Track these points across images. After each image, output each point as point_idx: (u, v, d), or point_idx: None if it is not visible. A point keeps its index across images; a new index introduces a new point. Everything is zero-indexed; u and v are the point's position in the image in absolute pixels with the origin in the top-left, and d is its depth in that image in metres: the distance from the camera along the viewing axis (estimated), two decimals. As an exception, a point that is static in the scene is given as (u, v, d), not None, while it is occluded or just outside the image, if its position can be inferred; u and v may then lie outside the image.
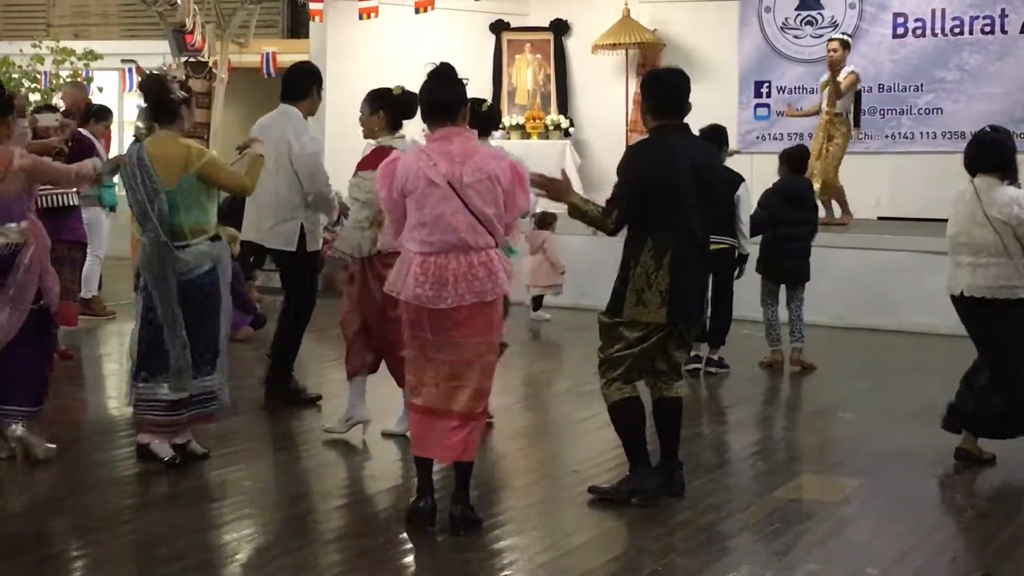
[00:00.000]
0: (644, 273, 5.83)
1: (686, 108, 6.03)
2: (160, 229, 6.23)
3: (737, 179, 9.32)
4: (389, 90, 7.02)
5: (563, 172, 6.15)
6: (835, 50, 12.81)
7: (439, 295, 5.37)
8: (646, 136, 6.14)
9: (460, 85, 5.61)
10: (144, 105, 6.58)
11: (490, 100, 16.21)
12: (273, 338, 8.25)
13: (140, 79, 6.87)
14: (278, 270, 8.51)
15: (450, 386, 5.47)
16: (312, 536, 5.59)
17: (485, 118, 7.38)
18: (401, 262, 5.52)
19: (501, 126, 16.19)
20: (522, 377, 9.48)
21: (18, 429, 6.46)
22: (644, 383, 6.17)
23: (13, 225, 6.40)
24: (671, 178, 5.84)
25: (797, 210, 9.65)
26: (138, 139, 6.52)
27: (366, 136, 7.16)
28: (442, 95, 5.53)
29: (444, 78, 5.57)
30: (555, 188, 6.00)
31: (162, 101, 6.39)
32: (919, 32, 14.67)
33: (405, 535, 5.55)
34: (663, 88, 6.08)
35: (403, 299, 5.47)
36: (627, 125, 15.68)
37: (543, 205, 12.80)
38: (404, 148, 6.65)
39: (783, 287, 9.81)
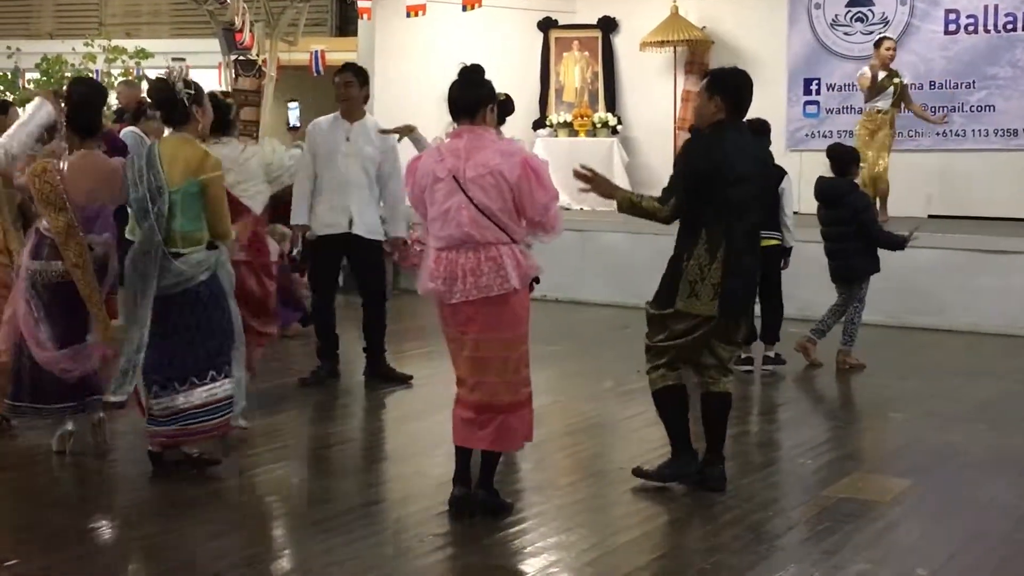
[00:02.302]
0: (698, 266, 5.91)
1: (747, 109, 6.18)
2: (156, 229, 6.04)
3: (780, 172, 9.27)
4: (215, 95, 7.11)
5: (591, 170, 6.08)
6: (895, 49, 12.75)
7: (450, 290, 5.54)
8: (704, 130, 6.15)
9: (482, 86, 5.72)
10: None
11: (537, 96, 16.39)
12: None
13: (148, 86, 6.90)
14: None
15: (473, 380, 5.63)
16: (355, 533, 5.59)
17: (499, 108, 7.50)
18: (424, 257, 5.73)
19: (548, 123, 16.23)
20: (565, 375, 9.46)
21: (99, 413, 6.66)
22: (693, 377, 6.25)
23: (108, 235, 6.58)
24: (732, 173, 5.91)
25: (832, 210, 9.56)
26: None
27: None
28: (459, 95, 5.68)
29: (466, 79, 5.72)
30: (600, 185, 6.04)
31: (168, 103, 6.27)
32: (971, 28, 14.52)
33: (449, 531, 5.57)
34: (742, 87, 6.12)
35: (421, 293, 5.73)
36: (675, 123, 15.63)
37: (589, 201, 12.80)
38: (229, 152, 6.98)
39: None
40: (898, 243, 9.52)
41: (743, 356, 9.40)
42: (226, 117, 7.28)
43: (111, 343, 6.47)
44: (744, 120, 6.16)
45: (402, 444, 6.98)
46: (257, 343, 7.33)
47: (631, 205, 6.03)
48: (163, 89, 6.30)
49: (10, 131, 6.63)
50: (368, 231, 8.43)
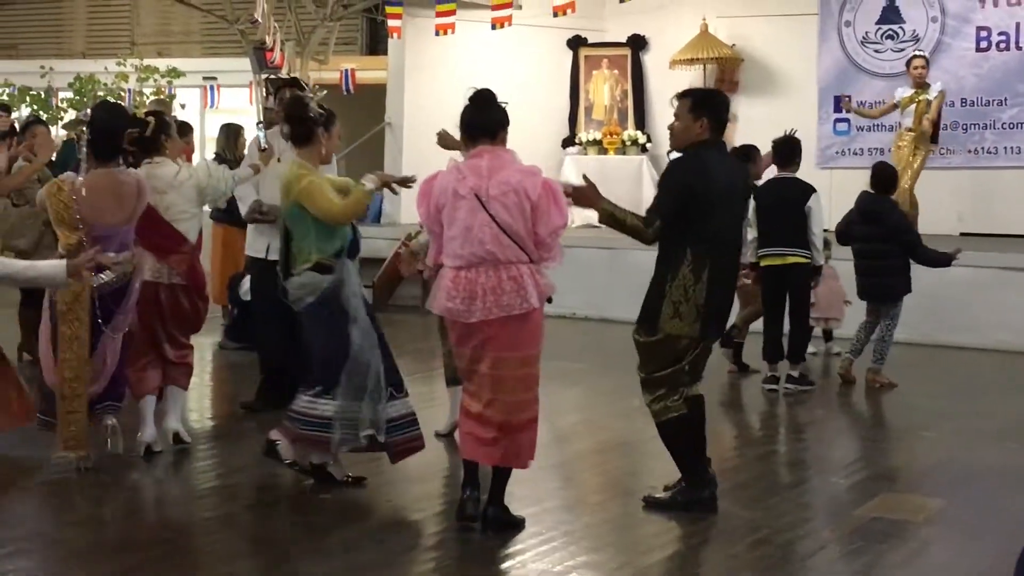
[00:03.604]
0: (682, 286, 5.90)
1: None
2: (280, 251, 6.34)
3: (808, 190, 9.24)
4: (134, 114, 7.31)
5: (585, 177, 6.14)
6: (923, 67, 12.67)
7: (469, 309, 5.54)
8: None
9: (497, 109, 5.79)
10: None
11: (567, 114, 16.37)
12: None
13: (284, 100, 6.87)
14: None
15: (487, 398, 5.65)
16: (385, 548, 5.59)
17: None
18: (439, 277, 5.72)
19: (577, 141, 16.24)
20: (593, 393, 9.45)
21: (111, 419, 6.70)
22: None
23: (127, 253, 6.57)
24: (717, 193, 5.95)
25: (870, 227, 9.50)
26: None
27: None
28: (480, 117, 5.74)
29: (481, 102, 5.78)
30: (583, 195, 6.02)
31: (298, 121, 6.36)
32: (1003, 46, 14.46)
33: (478, 549, 5.57)
34: (725, 109, 6.28)
35: (436, 312, 5.72)
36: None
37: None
38: (164, 173, 6.91)
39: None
40: (945, 260, 9.50)
41: (768, 374, 9.38)
42: (145, 136, 6.93)
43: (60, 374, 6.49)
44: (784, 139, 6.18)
45: (431, 461, 6.96)
46: (183, 358, 7.19)
47: (613, 220, 6.01)
48: (297, 106, 6.42)
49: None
50: None
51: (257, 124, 8.06)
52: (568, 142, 16.39)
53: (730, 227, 6.10)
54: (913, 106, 12.67)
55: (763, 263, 9.34)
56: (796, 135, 9.58)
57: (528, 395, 5.70)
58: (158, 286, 6.92)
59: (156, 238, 6.86)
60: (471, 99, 5.80)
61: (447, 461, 6.96)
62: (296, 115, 6.41)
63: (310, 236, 6.20)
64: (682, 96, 6.24)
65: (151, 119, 7.08)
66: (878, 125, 14.70)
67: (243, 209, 8.23)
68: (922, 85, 12.69)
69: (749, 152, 9.69)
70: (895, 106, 12.90)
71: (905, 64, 13.17)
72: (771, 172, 9.66)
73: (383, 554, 5.49)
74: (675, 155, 6.34)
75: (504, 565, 5.44)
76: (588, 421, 8.52)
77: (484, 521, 5.71)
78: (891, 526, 6.04)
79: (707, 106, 6.14)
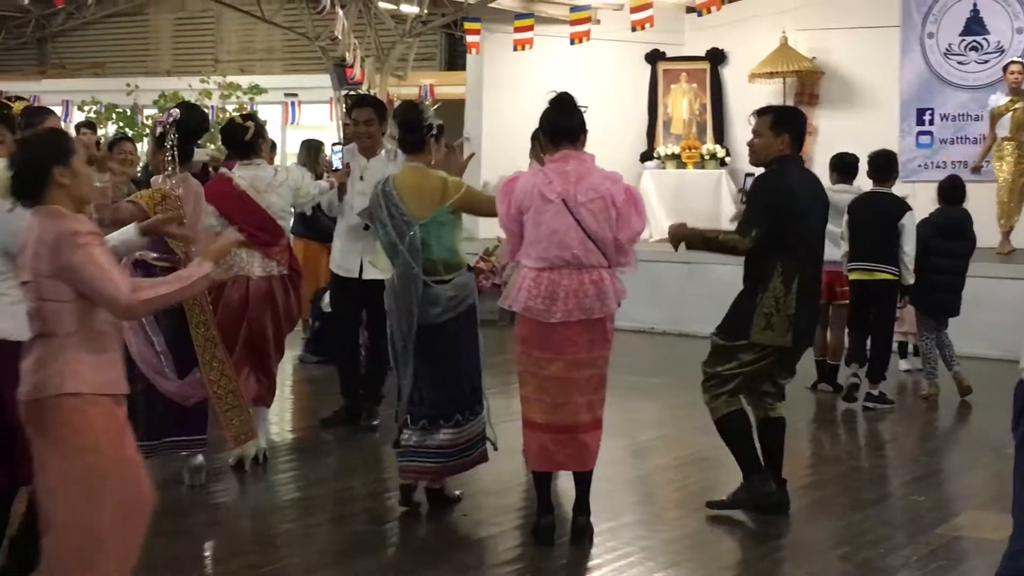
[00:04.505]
0: (773, 298, 6.01)
1: None
2: (413, 263, 6.01)
3: (904, 207, 9.11)
4: (232, 118, 7.44)
5: (675, 227, 6.30)
6: (1020, 72, 12.43)
7: (549, 309, 5.59)
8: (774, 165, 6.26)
9: (579, 112, 5.82)
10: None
11: (645, 129, 16.32)
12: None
13: (396, 107, 6.89)
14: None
15: (557, 402, 5.70)
16: (464, 561, 5.60)
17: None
18: (517, 276, 5.76)
19: (656, 155, 16.19)
20: (669, 408, 9.40)
21: (198, 458, 6.64)
22: (746, 403, 6.35)
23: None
24: (801, 206, 6.09)
25: (951, 243, 9.36)
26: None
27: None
28: (561, 120, 5.77)
29: (563, 106, 5.81)
30: (674, 233, 6.23)
31: (413, 127, 6.26)
32: (1090, 56, 14.17)
33: (556, 563, 5.56)
34: (804, 125, 6.43)
35: (516, 311, 5.74)
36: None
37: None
38: (265, 175, 7.19)
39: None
40: None
41: (852, 374, 9.29)
42: (243, 139, 7.24)
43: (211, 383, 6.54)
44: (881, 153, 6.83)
45: (507, 474, 6.97)
46: (273, 376, 7.40)
47: (707, 242, 6.21)
48: (413, 112, 6.40)
49: None
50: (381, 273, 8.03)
51: (332, 145, 8.15)
52: (646, 156, 16.35)
53: (815, 238, 6.22)
54: (1009, 115, 12.45)
55: (851, 277, 9.27)
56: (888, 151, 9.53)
57: (596, 396, 5.77)
58: (271, 279, 7.14)
59: (260, 233, 7.10)
60: (552, 102, 5.83)
61: (523, 474, 6.96)
62: (412, 121, 6.29)
63: (457, 240, 6.25)
64: (762, 113, 6.32)
65: (250, 123, 7.22)
66: (961, 138, 14.51)
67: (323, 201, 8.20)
68: (1018, 92, 12.46)
69: (851, 164, 9.62)
70: (993, 124, 12.64)
71: (1002, 69, 12.97)
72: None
73: (460, 568, 5.51)
74: (757, 171, 6.46)
75: (581, 580, 5.45)
76: (666, 436, 8.49)
77: (575, 531, 5.77)
78: (973, 544, 5.96)
79: (788, 122, 6.27)
